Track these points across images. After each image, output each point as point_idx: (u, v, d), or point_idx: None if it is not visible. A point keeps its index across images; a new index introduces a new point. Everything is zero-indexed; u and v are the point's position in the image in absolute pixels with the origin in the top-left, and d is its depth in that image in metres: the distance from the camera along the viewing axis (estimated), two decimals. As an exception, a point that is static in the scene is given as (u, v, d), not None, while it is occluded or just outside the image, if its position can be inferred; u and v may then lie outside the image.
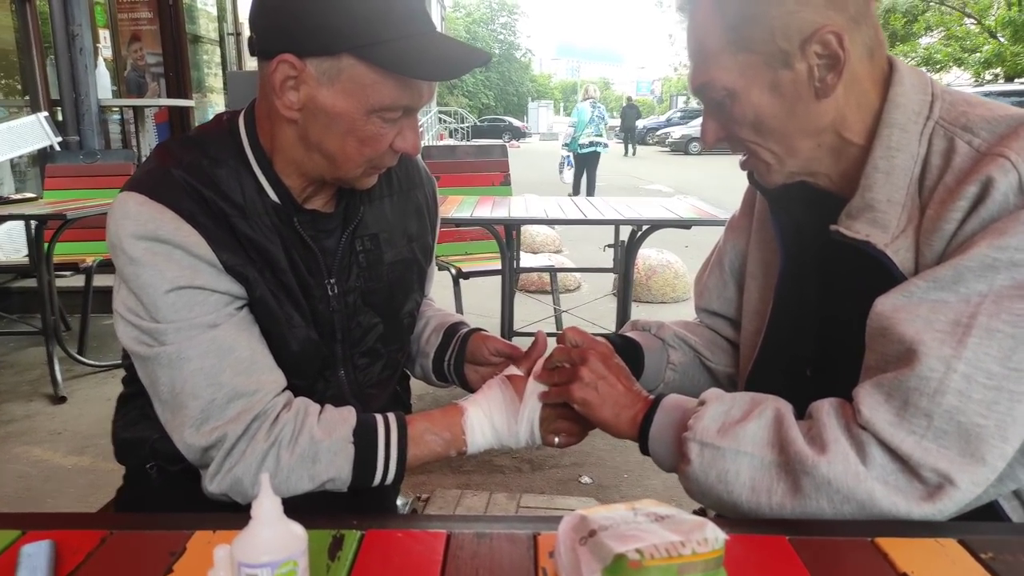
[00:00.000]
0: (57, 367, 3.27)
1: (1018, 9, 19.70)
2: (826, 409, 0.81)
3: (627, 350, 1.14)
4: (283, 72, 0.89)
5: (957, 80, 22.29)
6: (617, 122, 23.87)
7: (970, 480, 0.73)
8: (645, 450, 0.95)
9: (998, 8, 21.25)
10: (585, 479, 2.48)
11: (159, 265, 0.90)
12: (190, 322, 0.91)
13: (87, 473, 2.54)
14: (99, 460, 2.61)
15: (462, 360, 1.21)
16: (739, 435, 0.83)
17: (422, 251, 1.19)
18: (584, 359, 1.01)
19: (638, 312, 4.37)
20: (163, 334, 0.91)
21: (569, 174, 10.64)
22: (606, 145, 10.57)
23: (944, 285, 0.76)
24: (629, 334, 1.20)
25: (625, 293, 3.26)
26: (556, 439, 1.05)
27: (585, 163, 10.42)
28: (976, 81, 20.60)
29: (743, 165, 0.98)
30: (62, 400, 3.17)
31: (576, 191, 10.39)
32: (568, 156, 10.60)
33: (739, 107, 0.88)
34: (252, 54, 0.94)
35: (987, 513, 0.84)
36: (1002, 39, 20.36)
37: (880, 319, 0.80)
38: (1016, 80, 18.74)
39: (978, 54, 20.81)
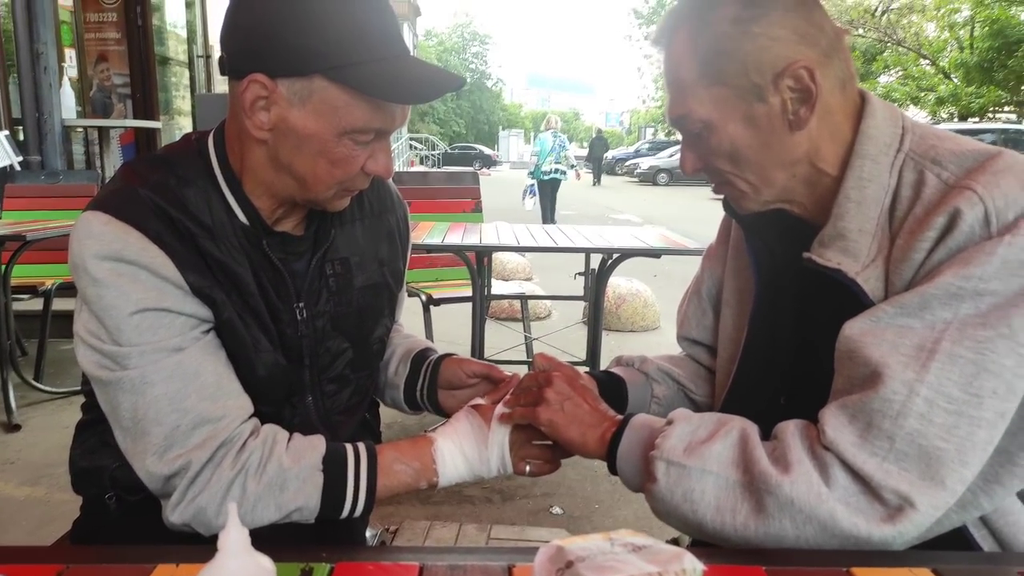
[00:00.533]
0: (11, 394, 3.17)
1: (970, 52, 20.51)
2: (791, 430, 0.82)
3: (611, 386, 1.15)
4: (253, 92, 0.88)
5: (914, 117, 23.06)
6: (584, 151, 24.47)
7: (929, 503, 0.74)
8: (613, 469, 0.95)
9: (951, 50, 22.10)
10: (556, 510, 2.46)
11: (124, 286, 0.87)
12: (155, 345, 0.88)
13: (41, 504, 2.45)
14: (54, 491, 2.52)
15: (435, 387, 1.19)
16: (705, 455, 0.83)
17: (393, 276, 1.17)
18: (549, 381, 1.01)
19: (608, 340, 4.38)
20: (126, 358, 0.88)
21: (531, 202, 11.13)
22: (565, 172, 11.23)
23: (910, 311, 0.78)
24: (613, 370, 1.21)
25: (595, 321, 3.27)
26: (527, 467, 1.04)
27: (547, 188, 11.07)
28: (933, 119, 21.30)
29: (717, 191, 1.00)
30: (16, 428, 3.06)
31: (545, 218, 10.95)
32: (532, 185, 11.11)
33: (716, 138, 0.90)
34: (223, 73, 0.92)
35: (957, 542, 0.85)
36: (955, 80, 21.14)
37: (847, 342, 0.82)
38: (969, 120, 19.44)
39: (934, 93, 21.56)
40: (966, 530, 0.85)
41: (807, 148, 0.89)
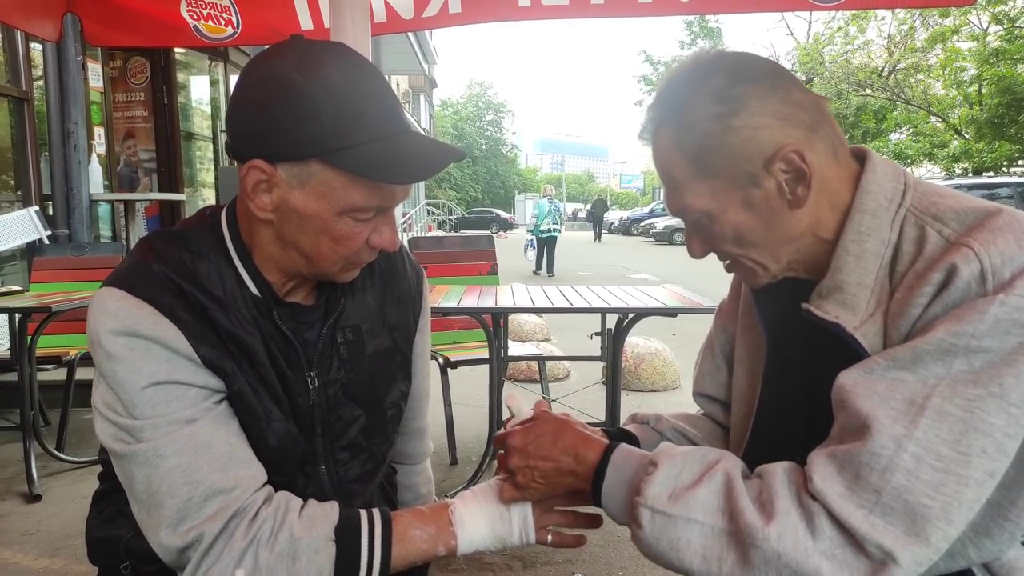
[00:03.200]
0: (34, 464, 3.17)
1: (979, 108, 20.68)
2: (779, 476, 0.82)
3: (624, 442, 1.14)
4: (254, 177, 0.91)
5: (928, 174, 23.12)
6: (578, 210, 27.34)
7: (912, 559, 0.73)
8: (598, 503, 0.95)
9: (960, 107, 22.30)
10: (577, 576, 2.39)
11: (136, 361, 0.89)
12: (167, 418, 0.89)
13: (57, 576, 2.43)
14: (72, 562, 2.50)
15: None
16: (690, 502, 0.83)
17: (404, 339, 1.18)
18: (508, 453, 1.00)
19: (627, 400, 4.34)
20: (140, 431, 0.89)
21: (531, 254, 14.07)
22: (559, 231, 14.10)
23: (903, 365, 0.79)
24: (628, 427, 1.20)
25: (614, 381, 3.24)
26: (549, 536, 1.02)
27: (545, 244, 13.80)
28: (947, 175, 21.35)
29: (728, 270, 1.01)
30: (37, 499, 3.06)
31: (539, 267, 13.80)
32: (532, 240, 14.14)
33: (718, 226, 0.92)
34: (229, 156, 0.95)
35: None
36: (967, 136, 21.27)
37: (840, 391, 0.82)
38: (984, 174, 19.46)
39: (946, 149, 21.68)
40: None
41: (809, 222, 0.91)
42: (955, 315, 0.77)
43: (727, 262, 0.99)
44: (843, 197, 0.91)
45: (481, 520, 1.00)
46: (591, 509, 1.01)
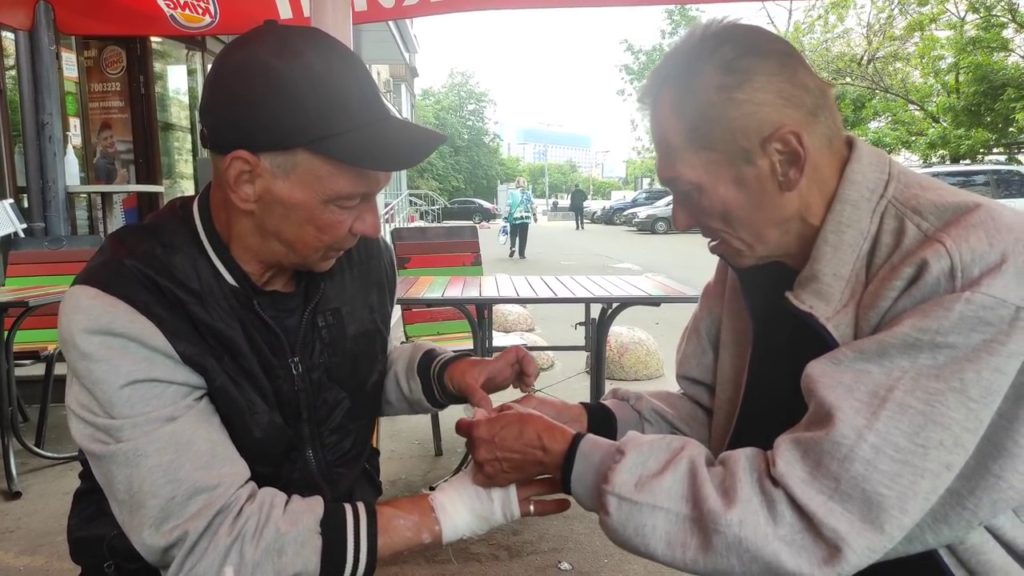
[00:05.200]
0: (12, 461, 3.13)
1: (956, 96, 20.89)
2: (742, 463, 0.84)
3: (602, 419, 1.15)
4: (237, 168, 0.89)
5: (906, 162, 23.33)
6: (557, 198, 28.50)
7: (866, 546, 0.75)
8: (567, 491, 0.96)
9: (938, 95, 22.51)
10: (564, 565, 2.40)
11: (113, 360, 0.87)
12: (147, 416, 0.88)
13: (40, 574, 2.40)
14: (53, 560, 2.47)
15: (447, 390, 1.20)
16: (655, 490, 0.85)
17: (383, 321, 1.19)
18: (475, 444, 1.01)
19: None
20: (119, 431, 0.87)
21: (504, 238, 16.31)
22: (530, 218, 16.53)
23: (869, 357, 0.80)
24: (607, 402, 1.21)
25: (598, 371, 3.25)
26: (531, 506, 1.03)
27: (518, 230, 16.06)
28: (924, 163, 21.56)
29: (713, 250, 1.01)
30: (16, 495, 3.02)
31: (513, 250, 15.96)
32: (506, 226, 16.46)
33: (707, 200, 0.92)
34: (204, 147, 0.94)
35: (929, 569, 0.86)
36: (944, 123, 21.48)
37: (808, 380, 0.84)
38: (961, 162, 19.68)
39: (924, 137, 21.89)
40: (937, 557, 0.86)
41: (798, 206, 0.91)
42: (922, 310, 0.78)
43: (713, 242, 0.99)
44: (831, 185, 0.91)
45: (461, 505, 1.01)
46: (559, 495, 1.03)
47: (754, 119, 0.86)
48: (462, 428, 1.06)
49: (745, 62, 0.86)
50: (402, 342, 1.30)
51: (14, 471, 3.11)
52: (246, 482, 0.94)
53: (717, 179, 0.90)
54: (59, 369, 3.52)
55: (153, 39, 6.36)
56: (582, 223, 30.14)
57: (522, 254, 15.88)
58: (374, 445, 1.37)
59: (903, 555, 0.82)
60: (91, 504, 1.05)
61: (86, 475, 1.07)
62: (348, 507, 0.97)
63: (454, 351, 1.26)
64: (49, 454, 3.43)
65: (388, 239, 1.17)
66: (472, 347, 3.07)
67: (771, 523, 0.77)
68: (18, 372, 3.46)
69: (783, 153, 0.87)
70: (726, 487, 0.82)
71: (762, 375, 1.04)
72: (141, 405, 0.88)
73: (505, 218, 16.54)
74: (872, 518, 0.75)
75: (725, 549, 0.78)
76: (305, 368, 1.05)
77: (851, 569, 0.75)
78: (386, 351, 1.22)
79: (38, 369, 3.59)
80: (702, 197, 0.92)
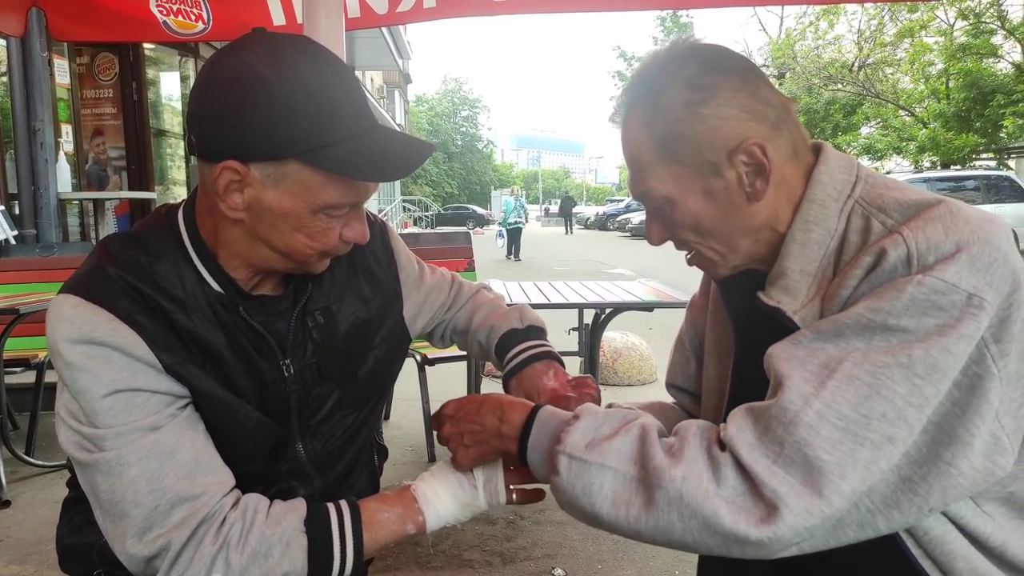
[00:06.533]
0: (2, 469, 3.11)
1: (947, 102, 21.03)
2: (693, 430, 0.86)
3: None
4: (227, 178, 0.89)
5: (898, 167, 23.46)
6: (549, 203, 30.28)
7: (803, 508, 0.76)
8: (524, 460, 0.96)
9: (928, 101, 22.65)
10: (558, 571, 2.40)
11: (96, 369, 0.87)
12: (130, 426, 0.88)
13: (28, 583, 2.38)
14: (43, 568, 2.45)
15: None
16: (606, 450, 0.86)
17: (384, 305, 1.17)
18: (440, 423, 1.05)
19: (605, 394, 4.33)
20: (102, 440, 0.87)
21: (500, 242, 17.76)
22: (524, 223, 18.21)
23: (825, 337, 0.83)
24: None
25: (592, 376, 3.25)
26: (514, 495, 1.04)
27: (512, 234, 17.50)
28: (915, 167, 21.67)
29: (690, 262, 1.04)
30: (6, 504, 2.99)
31: (509, 252, 17.23)
32: (501, 231, 18.05)
33: (678, 212, 0.95)
34: (192, 154, 0.94)
35: (896, 560, 0.86)
36: (935, 127, 21.61)
37: (768, 359, 0.86)
38: (951, 167, 19.79)
39: (914, 142, 22.02)
40: (905, 550, 0.86)
41: (767, 216, 0.94)
42: (876, 293, 0.81)
43: (688, 254, 1.02)
44: (799, 192, 0.94)
45: (444, 494, 1.02)
46: (537, 484, 1.04)
47: (719, 133, 0.90)
48: (434, 420, 1.09)
49: (709, 79, 0.90)
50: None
51: (3, 479, 3.08)
52: (230, 490, 0.94)
53: (687, 192, 0.94)
54: (49, 377, 3.50)
55: (146, 46, 6.36)
56: (571, 228, 32.02)
57: (517, 256, 17.06)
58: (381, 442, 1.37)
59: (859, 540, 0.81)
60: (80, 512, 1.04)
61: (75, 483, 1.07)
62: (330, 505, 0.97)
63: (530, 347, 1.23)
64: (39, 462, 3.41)
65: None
66: (465, 353, 3.06)
67: (714, 483, 0.79)
68: (8, 380, 3.44)
69: (749, 165, 0.91)
70: (674, 450, 0.83)
71: (744, 381, 1.05)
72: (124, 414, 0.88)
73: (500, 223, 18.33)
74: (812, 482, 0.76)
75: (667, 504, 0.80)
76: (297, 369, 1.04)
77: (788, 530, 0.76)
78: (393, 333, 1.18)
79: (28, 377, 3.56)
80: (673, 210, 0.96)
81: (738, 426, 0.82)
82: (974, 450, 0.78)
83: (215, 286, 0.97)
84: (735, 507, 0.77)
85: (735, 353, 1.07)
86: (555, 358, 1.21)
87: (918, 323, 0.78)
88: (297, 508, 0.95)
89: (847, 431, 0.77)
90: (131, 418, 0.88)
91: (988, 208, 13.68)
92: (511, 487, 1.04)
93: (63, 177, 5.27)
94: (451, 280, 1.37)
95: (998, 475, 0.80)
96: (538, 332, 1.27)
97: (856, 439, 0.76)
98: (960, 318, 0.77)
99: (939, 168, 20.11)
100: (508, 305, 1.37)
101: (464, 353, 3.10)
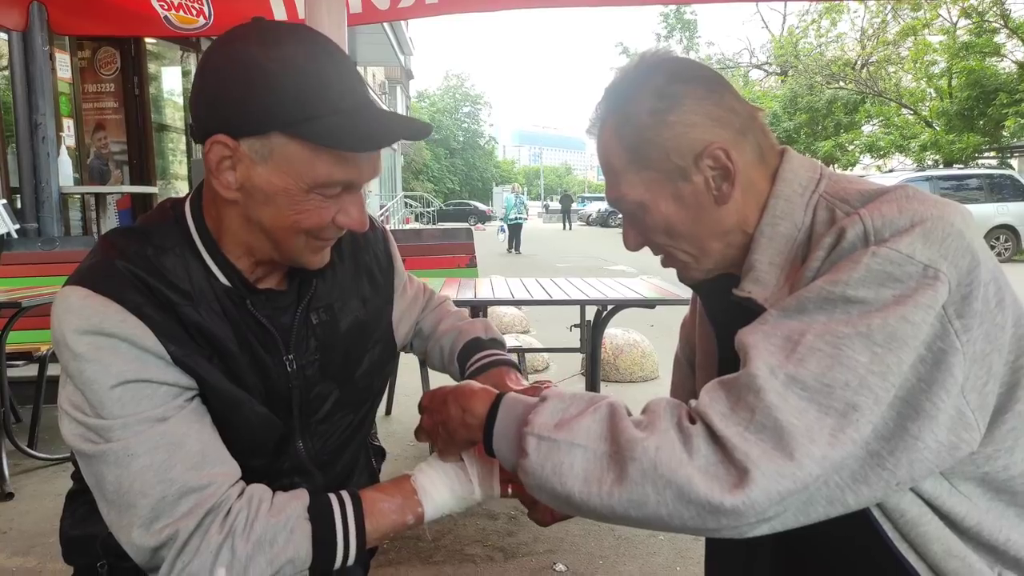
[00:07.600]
0: (5, 462, 3.12)
1: (949, 101, 20.99)
2: (663, 405, 0.86)
3: None
4: (217, 152, 0.89)
5: (900, 165, 23.41)
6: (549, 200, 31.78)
7: (775, 470, 0.76)
8: (491, 450, 0.95)
9: (931, 100, 22.62)
10: (560, 566, 2.41)
11: (104, 359, 0.87)
12: (138, 417, 0.88)
13: (33, 575, 2.39)
14: (46, 561, 2.46)
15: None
16: (575, 428, 0.85)
17: (380, 309, 1.19)
18: (422, 415, 1.06)
19: (607, 391, 4.34)
20: (109, 430, 0.87)
21: (502, 236, 19.12)
22: (524, 218, 19.45)
23: (789, 313, 0.86)
24: None
25: (593, 372, 3.26)
26: (509, 488, 1.04)
27: (513, 229, 18.65)
28: (918, 166, 21.63)
29: (664, 264, 1.07)
30: (9, 496, 3.00)
31: (510, 246, 18.43)
32: (503, 226, 19.53)
33: (650, 217, 1.00)
34: (193, 139, 0.94)
35: (871, 541, 0.87)
36: (937, 127, 21.58)
37: (737, 339, 0.88)
38: (954, 166, 19.74)
39: (917, 141, 21.98)
40: (883, 536, 0.87)
41: (736, 219, 0.98)
42: (836, 267, 0.85)
43: (661, 256, 1.05)
44: (766, 194, 0.98)
45: (442, 485, 1.02)
46: None
47: (686, 139, 0.94)
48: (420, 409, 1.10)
49: (674, 88, 0.95)
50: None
51: (7, 472, 3.10)
52: (236, 482, 0.94)
53: (658, 196, 0.98)
54: (52, 370, 3.51)
55: (147, 40, 6.36)
56: (570, 224, 33.72)
57: (518, 250, 18.08)
58: (376, 443, 1.38)
59: (829, 517, 0.82)
60: (83, 504, 1.04)
61: (78, 475, 1.07)
62: (332, 495, 0.98)
63: (493, 354, 1.25)
64: (42, 455, 3.42)
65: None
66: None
67: (686, 453, 0.79)
68: (11, 373, 3.45)
69: (715, 169, 0.95)
70: (645, 424, 0.84)
71: None
72: (132, 405, 0.88)
73: (502, 219, 19.77)
74: (783, 445, 0.77)
75: (640, 476, 0.79)
76: (299, 365, 1.05)
77: (760, 494, 0.76)
78: (386, 337, 1.21)
79: (31, 370, 3.57)
80: (646, 215, 1.00)
81: (711, 397, 0.83)
82: (940, 424, 0.79)
83: (222, 279, 0.98)
84: (708, 475, 0.78)
85: (718, 356, 1.10)
86: (517, 368, 1.23)
87: (876, 294, 0.80)
88: (300, 496, 0.96)
89: (812, 400, 0.78)
90: (139, 409, 0.88)
91: (991, 207, 13.79)
92: (505, 480, 1.04)
93: (65, 171, 5.28)
94: (423, 289, 1.39)
95: (964, 450, 0.81)
96: (500, 345, 1.29)
97: (821, 407, 0.78)
98: (917, 288, 0.79)
99: (941, 166, 20.06)
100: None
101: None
